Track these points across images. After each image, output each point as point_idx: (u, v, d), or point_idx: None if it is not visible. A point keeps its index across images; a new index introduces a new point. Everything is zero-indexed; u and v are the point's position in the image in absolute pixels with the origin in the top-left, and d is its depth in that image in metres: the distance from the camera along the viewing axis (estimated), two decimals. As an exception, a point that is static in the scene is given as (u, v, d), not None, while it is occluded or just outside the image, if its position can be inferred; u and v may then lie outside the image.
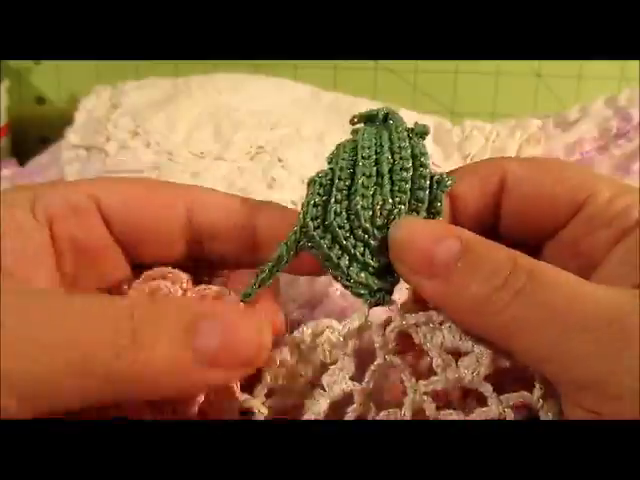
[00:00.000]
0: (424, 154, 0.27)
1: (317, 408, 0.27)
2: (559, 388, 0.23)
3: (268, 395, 0.28)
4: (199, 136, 0.45)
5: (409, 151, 0.27)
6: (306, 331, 0.27)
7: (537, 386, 0.25)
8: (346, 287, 0.26)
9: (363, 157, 0.27)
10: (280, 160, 0.47)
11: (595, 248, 0.25)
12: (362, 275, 0.26)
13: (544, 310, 0.22)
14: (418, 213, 0.26)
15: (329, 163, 0.28)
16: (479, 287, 0.23)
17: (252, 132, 0.50)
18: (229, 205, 0.29)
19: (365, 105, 0.64)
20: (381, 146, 0.28)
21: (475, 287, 0.23)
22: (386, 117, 0.29)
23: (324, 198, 0.27)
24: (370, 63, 0.73)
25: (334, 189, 0.27)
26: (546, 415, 0.25)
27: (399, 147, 0.27)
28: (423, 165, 0.27)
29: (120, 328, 0.22)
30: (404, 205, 0.26)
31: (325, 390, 0.27)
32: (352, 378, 0.27)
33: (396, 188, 0.26)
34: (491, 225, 0.28)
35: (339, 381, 0.27)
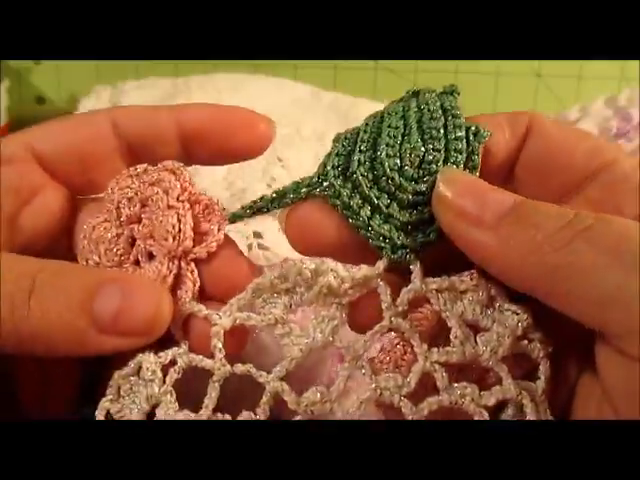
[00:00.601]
0: (455, 107, 0.26)
1: (293, 352, 0.26)
2: (606, 331, 0.22)
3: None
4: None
5: (438, 104, 0.26)
6: (309, 265, 0.26)
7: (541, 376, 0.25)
8: (367, 238, 0.25)
9: (389, 113, 0.26)
10: (280, 160, 0.47)
11: (620, 212, 0.24)
12: (385, 227, 0.25)
13: (612, 248, 0.21)
14: (457, 166, 0.25)
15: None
16: (536, 231, 0.22)
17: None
18: (150, 112, 0.29)
19: (365, 105, 0.64)
20: (408, 105, 0.27)
21: (531, 231, 0.23)
22: (415, 93, 0.28)
23: (348, 149, 0.26)
24: (370, 63, 0.73)
25: (359, 140, 0.26)
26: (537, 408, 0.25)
27: (427, 102, 0.26)
28: (455, 116, 0.25)
29: (20, 287, 0.24)
30: (438, 153, 0.25)
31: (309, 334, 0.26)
32: (335, 330, 0.26)
33: (427, 136, 0.25)
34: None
35: (324, 330, 0.26)
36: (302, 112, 0.57)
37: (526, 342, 0.25)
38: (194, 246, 0.26)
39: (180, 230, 0.26)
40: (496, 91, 0.73)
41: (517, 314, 0.25)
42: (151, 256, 0.27)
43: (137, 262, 0.27)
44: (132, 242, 0.28)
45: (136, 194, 0.27)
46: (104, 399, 0.26)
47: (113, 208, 0.27)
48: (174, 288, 0.27)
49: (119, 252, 0.27)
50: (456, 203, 0.24)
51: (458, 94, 0.27)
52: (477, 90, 0.72)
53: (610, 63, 0.68)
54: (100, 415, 0.26)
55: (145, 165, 0.28)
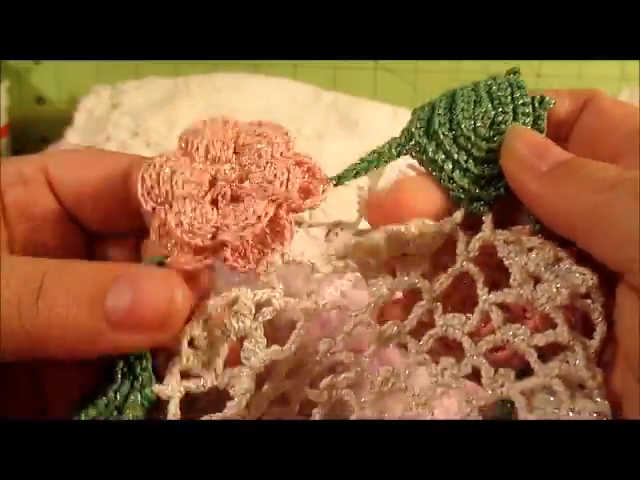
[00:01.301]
0: (519, 81, 0.29)
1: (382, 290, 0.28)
2: (625, 268, 0.24)
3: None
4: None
5: (504, 79, 0.29)
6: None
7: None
8: (448, 190, 0.28)
9: (461, 89, 0.29)
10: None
11: None
12: (464, 180, 0.28)
13: None
14: None
15: None
16: (583, 179, 0.25)
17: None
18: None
19: (365, 105, 0.64)
20: (477, 82, 0.30)
21: (578, 179, 0.25)
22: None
23: (428, 115, 0.29)
24: (370, 63, 0.73)
25: (436, 107, 0.29)
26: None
27: (494, 78, 0.29)
28: (521, 87, 0.29)
29: (27, 288, 0.23)
30: (507, 115, 0.28)
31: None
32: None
33: (496, 102, 0.29)
34: None
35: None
36: (302, 112, 0.57)
37: (589, 301, 0.26)
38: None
39: (289, 179, 0.26)
40: (496, 91, 0.73)
41: (583, 274, 0.26)
42: (235, 200, 0.26)
43: (214, 202, 0.26)
44: (212, 183, 0.27)
45: (231, 140, 0.27)
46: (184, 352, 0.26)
47: (197, 145, 0.27)
48: (265, 235, 0.26)
49: (200, 186, 0.26)
50: (518, 153, 0.27)
51: (520, 73, 0.30)
52: (477, 90, 0.72)
53: (610, 63, 0.68)
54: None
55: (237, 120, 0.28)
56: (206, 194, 0.26)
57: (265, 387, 0.29)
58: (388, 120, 0.60)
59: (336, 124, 0.55)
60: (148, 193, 0.25)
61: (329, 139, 0.53)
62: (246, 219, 0.26)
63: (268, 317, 0.27)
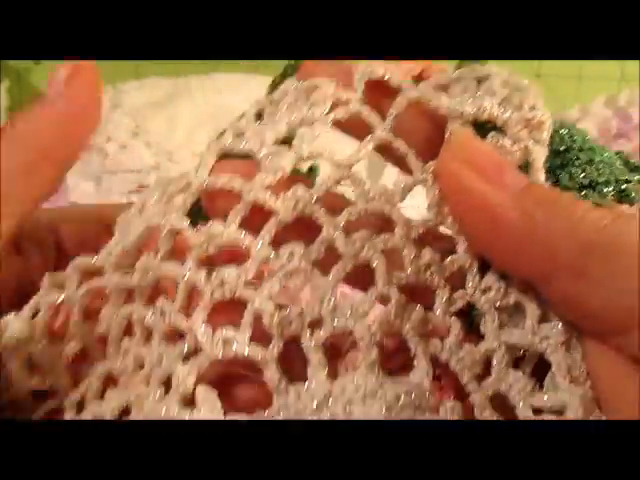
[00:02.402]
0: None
1: None
2: (620, 321, 0.21)
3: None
4: (199, 136, 0.45)
5: None
6: None
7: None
8: None
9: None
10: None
11: None
12: None
13: None
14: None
15: None
16: (570, 212, 0.22)
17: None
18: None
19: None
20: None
21: (564, 212, 0.22)
22: None
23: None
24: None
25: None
26: None
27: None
28: None
29: None
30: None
31: None
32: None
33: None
34: None
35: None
36: (302, 112, 0.57)
37: None
38: None
39: None
40: (496, 91, 0.73)
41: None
42: None
43: None
44: None
45: None
46: None
47: None
48: None
49: None
50: (475, 160, 0.24)
51: None
52: (477, 90, 0.72)
53: (610, 63, 0.68)
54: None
55: None
56: None
57: None
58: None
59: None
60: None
61: (329, 139, 0.53)
62: None
63: None
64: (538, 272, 0.23)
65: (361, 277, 0.27)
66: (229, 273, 0.27)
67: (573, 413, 0.23)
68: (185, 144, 0.50)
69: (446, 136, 0.27)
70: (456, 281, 0.27)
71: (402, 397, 0.25)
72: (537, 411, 0.25)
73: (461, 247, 0.26)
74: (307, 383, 0.26)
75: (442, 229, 0.27)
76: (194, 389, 0.26)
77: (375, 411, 0.24)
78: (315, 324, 0.26)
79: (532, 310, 0.25)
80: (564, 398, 0.24)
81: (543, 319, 0.25)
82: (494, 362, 0.26)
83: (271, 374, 0.26)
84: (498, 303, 0.26)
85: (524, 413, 0.25)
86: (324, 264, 0.26)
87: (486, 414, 0.25)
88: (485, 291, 0.26)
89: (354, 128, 0.29)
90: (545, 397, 0.24)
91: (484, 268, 0.26)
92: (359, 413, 0.25)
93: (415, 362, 0.26)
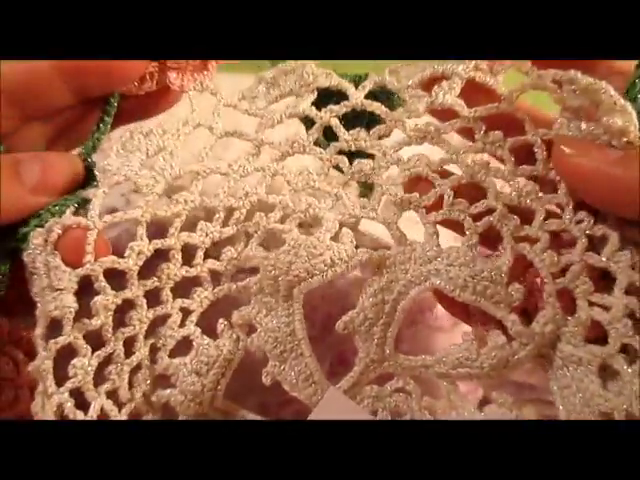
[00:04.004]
0: None
1: None
2: None
3: None
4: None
5: None
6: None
7: None
8: None
9: None
10: (285, 167, 0.47)
11: None
12: None
13: None
14: None
15: None
16: None
17: (252, 132, 0.49)
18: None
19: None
20: None
21: None
22: None
23: None
24: (370, 63, 0.73)
25: None
26: None
27: None
28: None
29: None
30: None
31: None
32: None
33: None
34: None
35: None
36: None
37: None
38: None
39: None
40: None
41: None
42: None
43: None
44: None
45: None
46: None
47: None
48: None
49: None
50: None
51: None
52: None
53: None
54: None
55: None
56: None
57: None
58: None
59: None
60: None
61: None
62: None
63: None
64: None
65: (475, 196, 0.37)
66: None
67: (615, 313, 0.32)
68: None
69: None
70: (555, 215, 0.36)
71: (484, 271, 0.35)
72: (591, 304, 0.34)
73: (562, 190, 0.35)
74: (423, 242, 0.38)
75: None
76: None
77: (464, 274, 0.36)
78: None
79: (613, 240, 0.33)
80: (615, 306, 0.33)
81: (619, 248, 0.33)
82: (571, 268, 0.35)
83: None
84: (588, 231, 0.35)
85: (582, 306, 0.34)
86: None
87: (550, 300, 0.35)
88: (578, 222, 0.35)
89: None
90: (601, 297, 0.34)
91: (578, 206, 0.35)
92: (454, 274, 0.36)
93: (502, 251, 0.36)
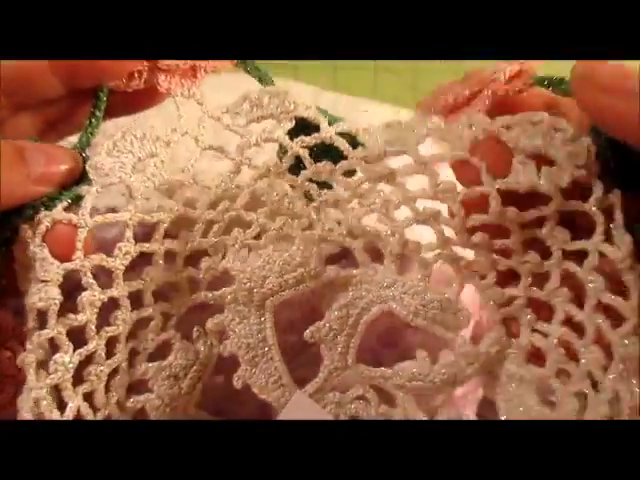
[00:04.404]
0: None
1: None
2: None
3: None
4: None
5: None
6: None
7: None
8: None
9: None
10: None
11: None
12: None
13: None
14: None
15: None
16: None
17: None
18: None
19: (365, 105, 0.64)
20: None
21: None
22: None
23: None
24: (370, 63, 0.73)
25: None
26: None
27: None
28: None
29: None
30: None
31: None
32: None
33: None
34: None
35: None
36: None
37: None
38: None
39: None
40: (496, 91, 0.73)
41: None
42: None
43: None
44: None
45: None
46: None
47: None
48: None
49: None
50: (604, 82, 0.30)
51: None
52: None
53: (610, 63, 0.68)
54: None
55: None
56: None
57: None
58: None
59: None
60: None
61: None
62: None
63: None
64: None
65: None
66: None
67: (551, 341, 0.36)
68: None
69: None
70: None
71: (434, 301, 0.39)
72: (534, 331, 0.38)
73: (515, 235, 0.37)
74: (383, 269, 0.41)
75: None
76: None
77: (416, 303, 0.39)
78: None
79: (555, 276, 0.36)
80: (552, 335, 0.36)
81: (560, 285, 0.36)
82: (514, 302, 0.38)
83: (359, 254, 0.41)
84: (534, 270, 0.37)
85: (524, 333, 0.37)
86: None
87: (496, 327, 0.38)
88: (524, 263, 0.37)
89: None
90: (543, 325, 0.38)
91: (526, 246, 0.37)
92: (407, 301, 0.39)
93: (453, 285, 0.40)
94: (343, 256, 0.42)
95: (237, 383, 0.41)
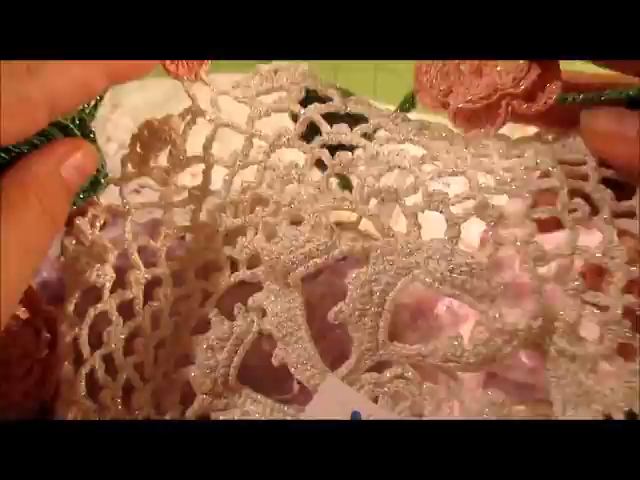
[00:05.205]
0: None
1: None
2: None
3: None
4: (199, 136, 0.45)
5: None
6: None
7: None
8: None
9: None
10: (280, 160, 0.47)
11: None
12: None
13: None
14: None
15: None
16: None
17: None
18: None
19: (365, 105, 0.64)
20: None
21: None
22: None
23: None
24: (370, 63, 0.73)
25: None
26: None
27: None
28: None
29: None
30: None
31: None
32: None
33: None
34: None
35: None
36: (302, 112, 0.57)
37: None
38: None
39: None
40: (496, 91, 0.73)
41: None
42: None
43: None
44: None
45: None
46: None
47: None
48: None
49: None
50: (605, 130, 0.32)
51: None
52: (477, 90, 0.72)
53: (610, 63, 0.68)
54: None
55: None
56: None
57: None
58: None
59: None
60: None
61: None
62: None
63: None
64: None
65: None
66: None
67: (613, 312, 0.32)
68: (184, 144, 0.50)
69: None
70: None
71: (462, 265, 0.35)
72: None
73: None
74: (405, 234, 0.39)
75: None
76: None
77: (442, 268, 0.36)
78: None
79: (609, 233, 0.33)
80: (613, 306, 0.32)
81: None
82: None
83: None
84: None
85: (572, 305, 0.33)
86: None
87: (535, 296, 0.34)
88: (571, 211, 0.35)
89: None
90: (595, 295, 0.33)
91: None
92: (432, 267, 0.36)
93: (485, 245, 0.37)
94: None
95: (275, 361, 0.41)
